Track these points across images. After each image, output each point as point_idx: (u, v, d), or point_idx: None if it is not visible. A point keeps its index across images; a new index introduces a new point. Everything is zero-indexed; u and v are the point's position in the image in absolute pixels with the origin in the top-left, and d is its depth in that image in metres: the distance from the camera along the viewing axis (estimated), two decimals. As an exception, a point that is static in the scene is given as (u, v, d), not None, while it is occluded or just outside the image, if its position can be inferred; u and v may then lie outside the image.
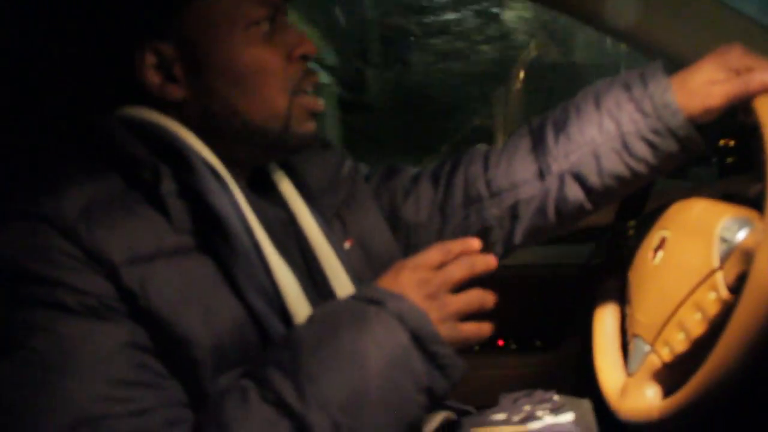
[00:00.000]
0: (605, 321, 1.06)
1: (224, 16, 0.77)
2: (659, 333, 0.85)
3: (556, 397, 0.98)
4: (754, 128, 0.79)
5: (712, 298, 0.77)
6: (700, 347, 0.78)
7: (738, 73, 0.84)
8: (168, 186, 0.74)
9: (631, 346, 0.93)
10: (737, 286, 0.74)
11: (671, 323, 0.83)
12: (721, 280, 0.77)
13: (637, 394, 0.87)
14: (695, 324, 0.79)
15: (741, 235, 0.77)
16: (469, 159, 1.03)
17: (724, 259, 0.77)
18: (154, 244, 0.72)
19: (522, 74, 3.03)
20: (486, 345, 1.53)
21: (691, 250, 0.83)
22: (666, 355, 0.83)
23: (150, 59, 0.77)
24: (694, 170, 1.85)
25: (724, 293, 0.76)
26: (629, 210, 1.10)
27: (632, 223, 1.09)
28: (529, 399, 0.99)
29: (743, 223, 0.78)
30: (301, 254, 0.86)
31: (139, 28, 0.76)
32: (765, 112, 0.76)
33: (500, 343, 1.54)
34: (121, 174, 0.75)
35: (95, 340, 0.67)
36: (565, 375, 1.48)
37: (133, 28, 0.76)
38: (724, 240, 0.78)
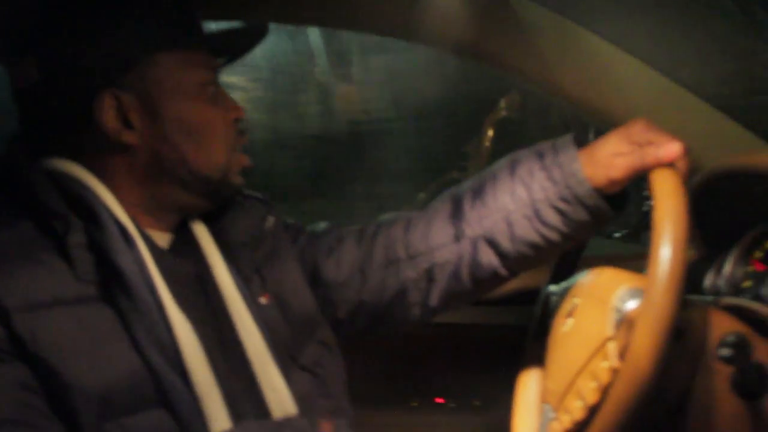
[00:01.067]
0: (527, 386, 1.07)
1: (179, 74, 0.86)
2: (562, 400, 0.86)
3: None
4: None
5: (605, 367, 0.78)
6: (595, 415, 0.78)
7: (641, 146, 0.87)
8: (76, 238, 0.78)
9: (542, 413, 0.94)
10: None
11: (572, 390, 0.84)
12: (613, 349, 0.78)
13: (542, 462, 0.87)
14: (590, 392, 0.80)
15: (630, 305, 0.78)
16: (393, 221, 1.04)
17: (617, 328, 0.78)
18: (52, 292, 0.75)
19: (491, 132, 3.07)
20: (424, 402, 1.53)
21: (592, 318, 0.84)
22: (567, 422, 0.84)
23: (110, 105, 0.83)
24: (645, 234, 1.87)
25: (615, 362, 0.77)
26: (560, 274, 1.11)
27: (556, 288, 1.10)
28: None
29: (635, 294, 0.79)
30: (210, 309, 0.88)
31: (101, 77, 0.83)
32: (656, 186, 0.78)
33: (439, 401, 1.53)
34: (35, 222, 0.79)
35: None
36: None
37: (95, 76, 0.83)
38: (617, 310, 0.80)
